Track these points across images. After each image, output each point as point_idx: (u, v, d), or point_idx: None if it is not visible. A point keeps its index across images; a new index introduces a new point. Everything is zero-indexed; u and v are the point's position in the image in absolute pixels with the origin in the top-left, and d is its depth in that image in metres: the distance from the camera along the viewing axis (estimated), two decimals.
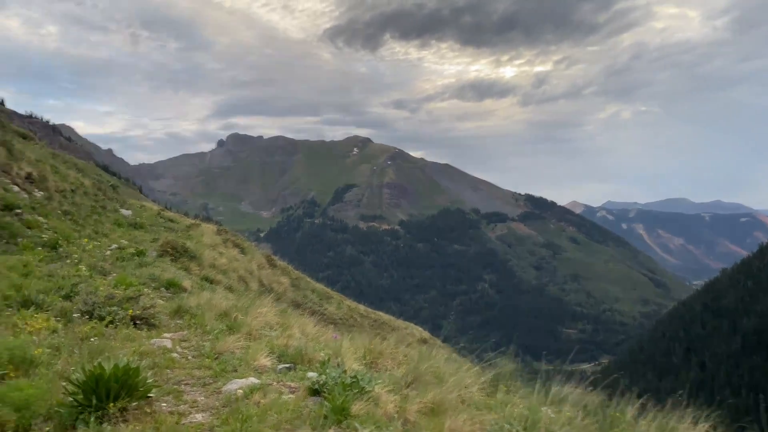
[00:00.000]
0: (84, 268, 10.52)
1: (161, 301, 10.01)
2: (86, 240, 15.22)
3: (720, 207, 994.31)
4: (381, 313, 38.65)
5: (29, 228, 14.92)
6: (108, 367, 4.00)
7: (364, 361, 6.37)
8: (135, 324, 7.32)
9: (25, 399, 3.88)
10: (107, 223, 21.61)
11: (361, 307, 36.81)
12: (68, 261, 12.27)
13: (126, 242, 17.96)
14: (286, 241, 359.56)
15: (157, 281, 12.41)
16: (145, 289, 9.82)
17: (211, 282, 14.65)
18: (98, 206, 23.84)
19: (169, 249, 15.29)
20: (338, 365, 5.48)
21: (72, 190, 22.75)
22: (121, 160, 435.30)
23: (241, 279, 17.73)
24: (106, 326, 6.87)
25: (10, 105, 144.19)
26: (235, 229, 34.94)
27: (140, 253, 15.17)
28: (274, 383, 5.19)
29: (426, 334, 41.63)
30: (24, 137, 35.11)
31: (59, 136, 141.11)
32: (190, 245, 17.01)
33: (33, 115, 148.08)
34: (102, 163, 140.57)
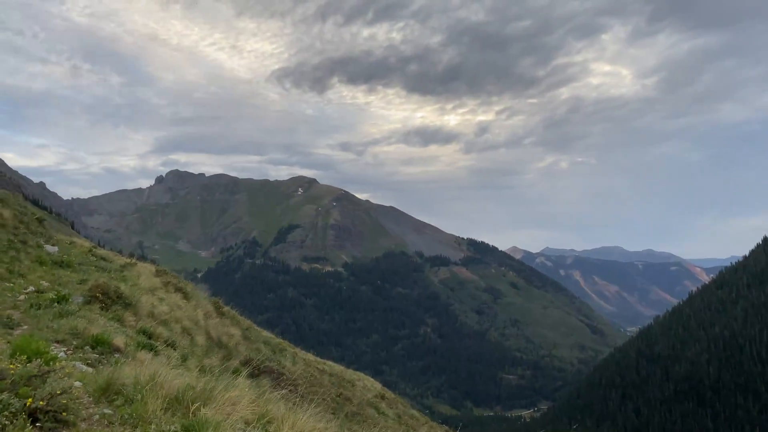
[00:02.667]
0: None
1: (86, 368, 7.46)
2: None
3: (651, 256, 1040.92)
4: (333, 364, 35.94)
5: None
6: None
7: None
8: (35, 421, 4.71)
9: None
10: (26, 261, 18.57)
11: (311, 357, 34.14)
12: None
13: (47, 284, 15.14)
14: (224, 282, 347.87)
15: (79, 337, 9.76)
16: (61, 356, 7.23)
17: (150, 336, 12.02)
18: (17, 240, 20.67)
19: (98, 294, 12.58)
20: None
21: None
22: (54, 194, 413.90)
23: (185, 331, 15.04)
24: None
25: None
26: (172, 269, 31.93)
27: (62, 299, 12.44)
28: None
29: (378, 386, 39.07)
30: None
31: None
32: (125, 289, 14.30)
33: None
34: (32, 197, 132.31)
